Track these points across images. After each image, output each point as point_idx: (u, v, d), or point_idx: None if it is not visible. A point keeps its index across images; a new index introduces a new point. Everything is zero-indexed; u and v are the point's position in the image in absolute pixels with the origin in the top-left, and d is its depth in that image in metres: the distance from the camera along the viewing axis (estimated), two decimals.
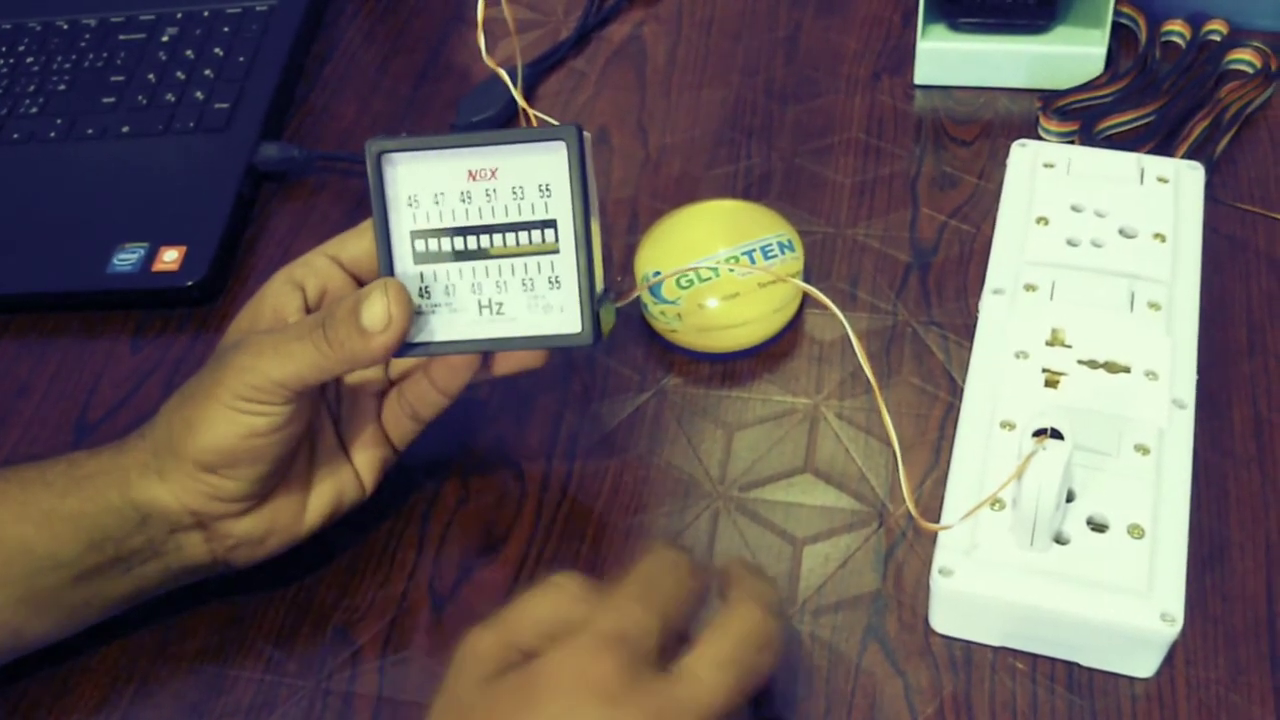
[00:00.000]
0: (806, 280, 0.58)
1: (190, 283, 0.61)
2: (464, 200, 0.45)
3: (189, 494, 0.45)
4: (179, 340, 0.61)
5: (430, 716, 0.38)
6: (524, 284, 0.45)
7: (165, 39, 0.74)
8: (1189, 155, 0.61)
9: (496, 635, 0.38)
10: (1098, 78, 0.65)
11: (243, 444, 0.44)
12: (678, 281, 0.56)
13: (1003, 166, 0.61)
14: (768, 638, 0.38)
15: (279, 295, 0.47)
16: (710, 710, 0.36)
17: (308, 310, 0.47)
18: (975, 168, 0.63)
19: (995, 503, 0.45)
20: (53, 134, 0.70)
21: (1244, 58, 0.65)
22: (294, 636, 0.50)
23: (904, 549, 0.50)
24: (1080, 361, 0.49)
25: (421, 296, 0.45)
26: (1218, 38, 0.66)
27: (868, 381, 0.55)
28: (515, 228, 0.45)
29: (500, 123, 0.69)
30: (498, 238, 0.45)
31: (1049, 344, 0.50)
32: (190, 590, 0.49)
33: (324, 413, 0.49)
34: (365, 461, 0.50)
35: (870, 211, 0.62)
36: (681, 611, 0.39)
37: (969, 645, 0.47)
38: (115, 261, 0.62)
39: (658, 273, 0.57)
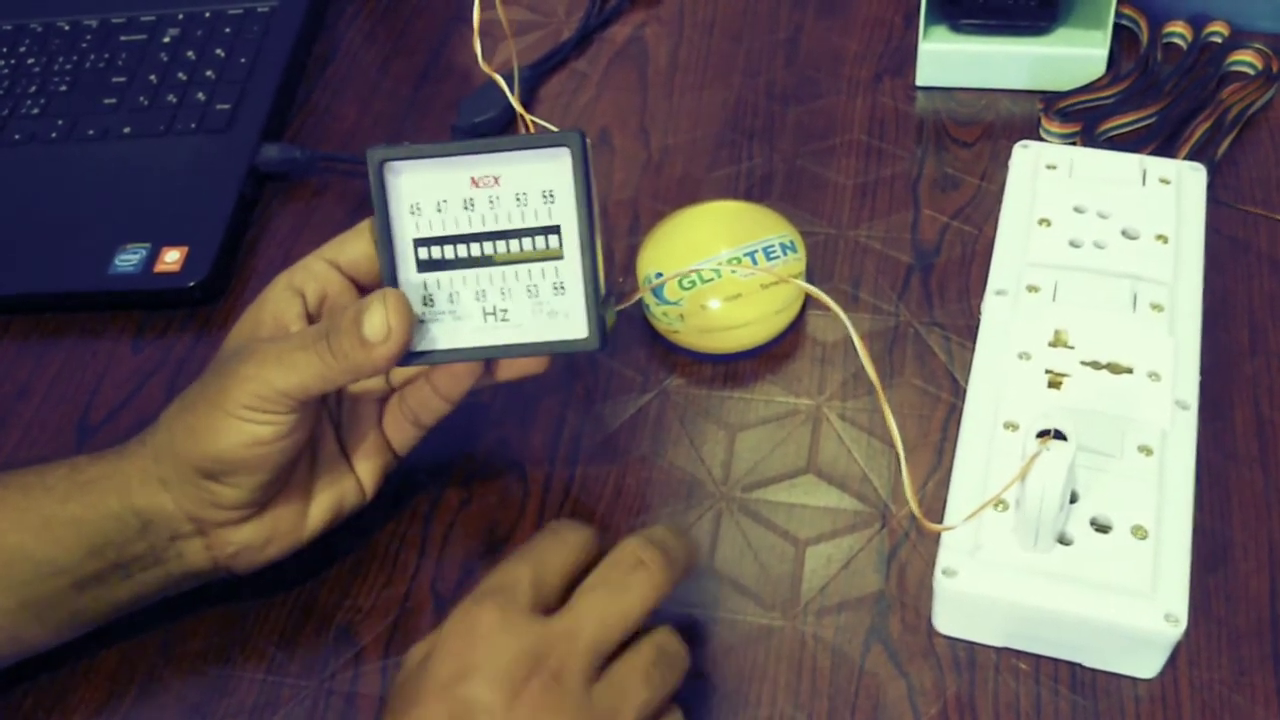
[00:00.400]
0: (808, 281, 0.58)
1: (192, 283, 0.61)
2: (467, 207, 0.45)
3: (190, 501, 0.45)
4: (181, 341, 0.61)
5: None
6: (528, 290, 0.45)
7: (167, 40, 0.74)
8: (1191, 157, 0.61)
9: (426, 641, 0.42)
10: (1099, 79, 0.65)
11: (246, 452, 0.44)
12: (680, 283, 0.56)
13: (1004, 168, 0.61)
14: (648, 582, 0.41)
15: (279, 301, 0.47)
16: (589, 641, 0.40)
17: (308, 316, 0.47)
18: (977, 169, 0.63)
19: (999, 503, 0.45)
20: (54, 135, 0.70)
21: (1245, 59, 0.65)
22: (297, 637, 0.50)
23: (907, 549, 0.50)
24: (1083, 363, 0.49)
25: (425, 305, 0.45)
26: (1219, 39, 0.66)
27: (870, 382, 0.55)
28: (519, 234, 0.45)
29: (502, 124, 0.69)
30: (501, 244, 0.45)
31: (1052, 345, 0.50)
32: (192, 591, 0.49)
33: (325, 419, 0.49)
34: (366, 467, 0.50)
35: (872, 213, 0.62)
36: (558, 565, 0.42)
37: (972, 646, 0.47)
38: (117, 262, 0.62)
39: (660, 274, 0.57)
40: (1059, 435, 0.42)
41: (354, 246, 0.48)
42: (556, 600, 0.41)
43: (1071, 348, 0.49)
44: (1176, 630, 0.42)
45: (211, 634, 0.50)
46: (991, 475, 0.46)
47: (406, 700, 0.40)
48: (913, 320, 0.57)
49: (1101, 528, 0.45)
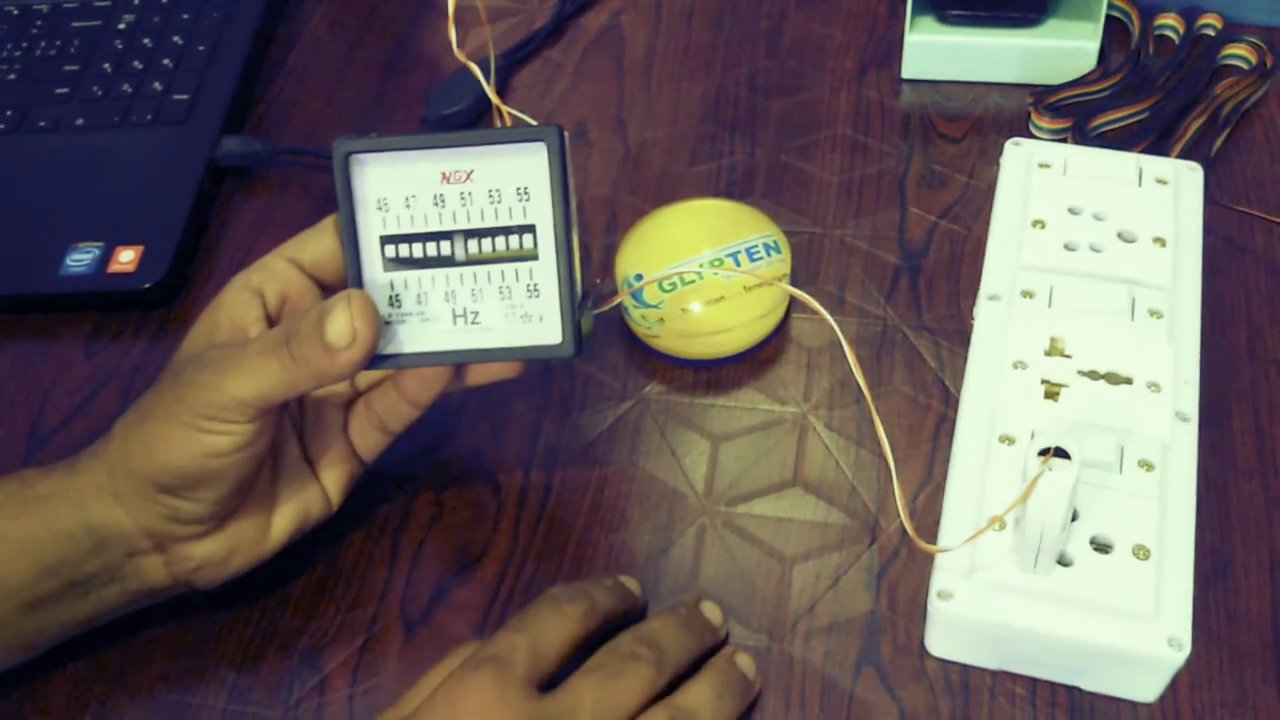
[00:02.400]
0: (793, 283, 0.56)
1: (148, 285, 0.58)
2: (437, 204, 0.42)
3: (147, 516, 0.43)
4: (136, 345, 0.59)
5: None
6: (500, 292, 0.43)
7: (122, 26, 0.71)
8: (1184, 154, 0.59)
9: (410, 698, 0.41)
10: (1090, 73, 0.63)
11: (204, 464, 0.42)
12: (660, 285, 0.54)
13: (993, 165, 0.60)
14: (642, 675, 0.41)
15: (236, 304, 0.45)
16: None
17: (268, 318, 0.45)
18: (965, 166, 0.61)
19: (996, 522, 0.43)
20: (2, 126, 0.66)
21: (1239, 53, 0.63)
22: (259, 662, 0.47)
23: (897, 567, 0.48)
24: (1081, 372, 0.47)
25: (392, 305, 0.43)
26: (1212, 32, 0.65)
27: (857, 389, 0.53)
28: (491, 233, 0.42)
29: (472, 116, 0.66)
30: (473, 243, 0.43)
31: (1048, 354, 0.48)
32: (148, 611, 0.47)
33: (287, 426, 0.47)
34: (331, 476, 0.47)
35: (858, 211, 0.60)
36: (556, 638, 0.41)
37: (966, 668, 0.45)
38: (68, 262, 0.59)
39: (639, 276, 0.54)
40: (1060, 453, 0.40)
41: (317, 244, 0.46)
42: (551, 675, 0.40)
43: (1069, 356, 0.47)
44: (1180, 655, 0.41)
45: (168, 658, 0.48)
46: (988, 492, 0.44)
47: None
48: (901, 324, 0.55)
49: (1102, 547, 0.43)
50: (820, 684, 0.45)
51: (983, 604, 0.42)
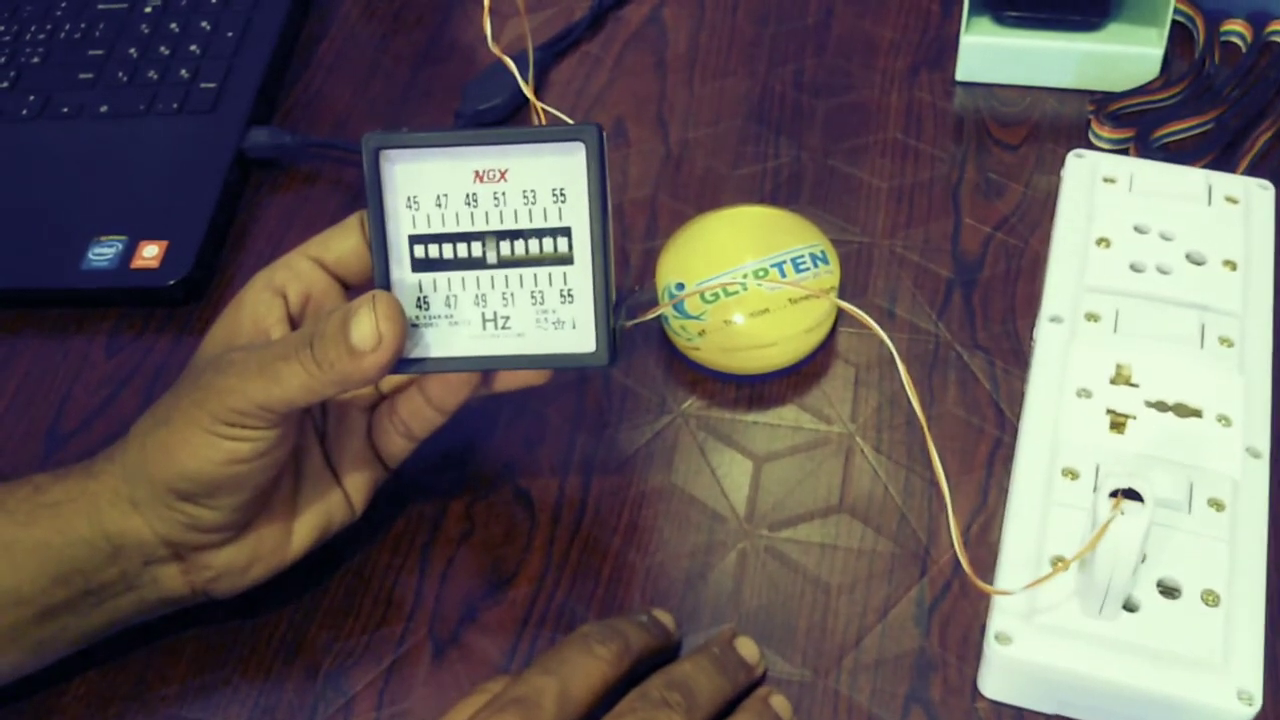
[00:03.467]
0: (840, 296, 0.54)
1: (172, 281, 0.57)
2: (469, 203, 0.41)
3: (165, 524, 0.42)
4: (159, 343, 0.57)
5: None
6: (533, 297, 0.41)
7: (149, 10, 0.69)
8: (1252, 167, 0.57)
9: None
10: (1152, 81, 0.60)
11: (223, 471, 0.40)
12: (702, 295, 0.52)
13: (1050, 174, 0.57)
14: None
15: (258, 304, 0.43)
16: None
17: (290, 319, 0.43)
18: (1022, 175, 0.59)
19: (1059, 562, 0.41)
20: (25, 111, 0.64)
21: None
22: (283, 681, 0.46)
23: (949, 601, 0.46)
24: (1148, 403, 0.45)
25: (419, 308, 0.41)
26: None
27: (907, 410, 0.51)
28: (525, 235, 0.41)
29: (509, 111, 0.64)
30: (505, 245, 0.41)
31: (1113, 382, 0.45)
32: (168, 622, 0.46)
33: (309, 430, 0.45)
34: (354, 482, 0.46)
35: (909, 220, 0.58)
36: (585, 682, 0.39)
37: (1021, 712, 0.43)
38: (90, 256, 0.57)
39: (681, 285, 0.52)
40: (1131, 494, 0.37)
41: (341, 242, 0.44)
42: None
43: (1136, 385, 0.45)
44: (1250, 711, 0.39)
45: (189, 674, 0.46)
46: (1049, 529, 0.42)
47: None
48: (954, 342, 0.53)
49: (1169, 591, 0.41)
50: None
51: (1044, 648, 0.40)
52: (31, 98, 0.65)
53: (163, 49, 0.66)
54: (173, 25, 0.67)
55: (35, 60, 0.67)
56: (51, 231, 0.59)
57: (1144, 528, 0.37)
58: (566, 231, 0.41)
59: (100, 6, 0.69)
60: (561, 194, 0.40)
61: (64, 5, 0.69)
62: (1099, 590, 0.39)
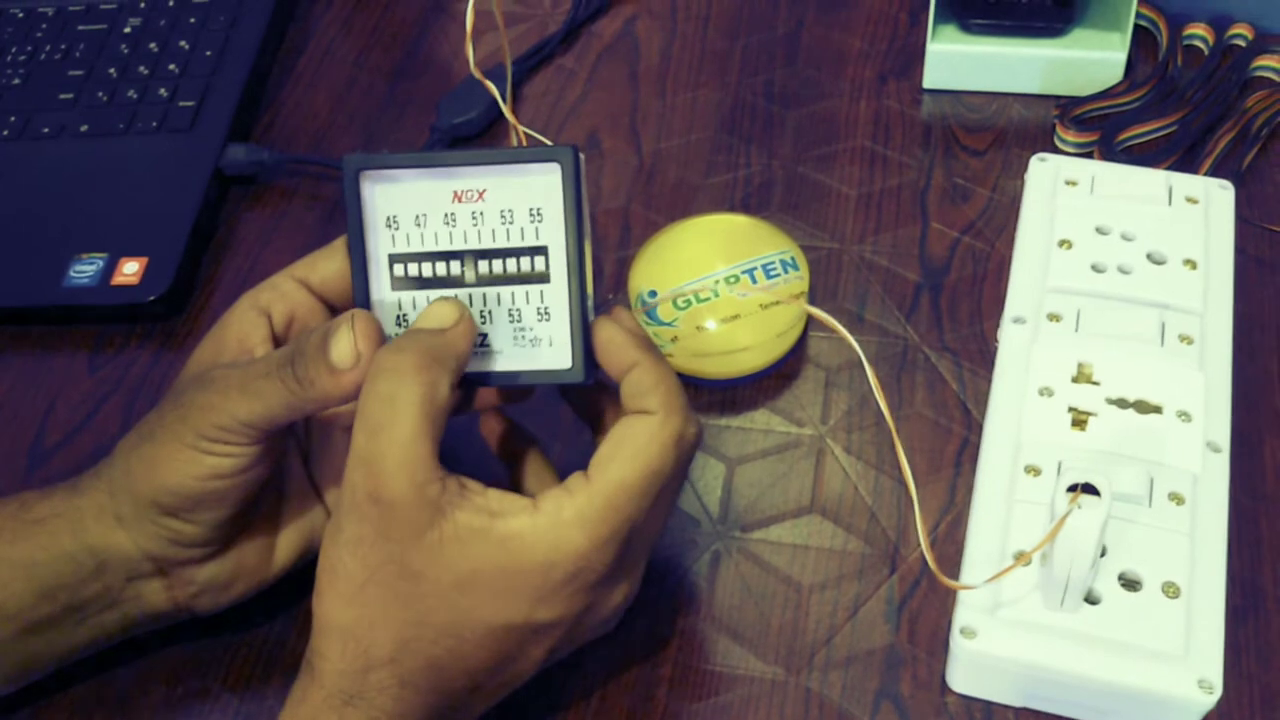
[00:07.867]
0: (811, 300, 0.54)
1: (152, 297, 0.57)
2: (448, 223, 0.41)
3: (148, 539, 0.42)
4: (140, 358, 0.57)
5: None
6: (510, 315, 0.42)
7: (127, 30, 0.69)
8: (1214, 169, 0.58)
9: None
10: (1116, 85, 0.61)
11: (206, 486, 0.41)
12: (674, 302, 0.52)
13: (1017, 179, 0.58)
14: None
15: (243, 323, 0.44)
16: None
17: (275, 338, 0.44)
18: (988, 179, 0.60)
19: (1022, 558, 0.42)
20: (5, 132, 0.65)
21: (1271, 64, 0.62)
22: (264, 690, 0.46)
23: (918, 598, 0.46)
24: (1109, 400, 0.46)
25: (398, 325, 0.42)
26: (1243, 43, 0.63)
27: (876, 411, 0.52)
28: (502, 254, 0.41)
29: (484, 125, 0.65)
30: (483, 264, 0.41)
31: (1075, 380, 0.46)
32: (152, 635, 0.46)
33: (292, 448, 0.46)
34: (337, 498, 0.46)
35: (878, 226, 0.58)
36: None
37: (989, 705, 0.44)
38: (72, 274, 0.58)
39: (653, 293, 0.53)
40: (1089, 489, 0.38)
41: (326, 265, 0.45)
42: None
43: (1097, 384, 0.46)
44: (1210, 699, 0.39)
45: (170, 686, 0.46)
46: (1013, 525, 0.43)
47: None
48: (922, 344, 0.54)
49: (1130, 584, 0.42)
50: (837, 719, 0.44)
51: (1007, 642, 0.41)
52: (12, 118, 0.66)
53: (142, 69, 0.67)
54: (152, 45, 0.68)
55: (16, 81, 0.68)
56: (33, 249, 0.60)
57: (1101, 521, 0.37)
58: (543, 250, 0.41)
59: (80, 27, 0.70)
60: (538, 214, 0.41)
61: (44, 26, 0.70)
62: (1059, 583, 0.39)
